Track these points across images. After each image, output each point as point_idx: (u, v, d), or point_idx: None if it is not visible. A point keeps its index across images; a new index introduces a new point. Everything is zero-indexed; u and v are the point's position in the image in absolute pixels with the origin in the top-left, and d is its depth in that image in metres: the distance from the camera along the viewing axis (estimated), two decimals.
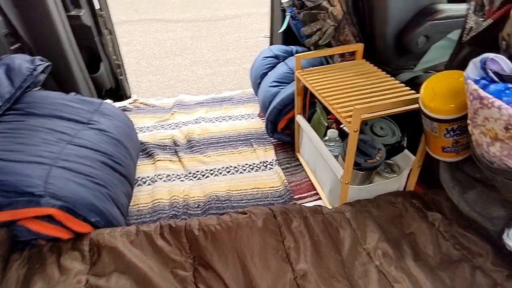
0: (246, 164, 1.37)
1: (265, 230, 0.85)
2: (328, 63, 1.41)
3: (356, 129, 0.87)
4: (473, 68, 0.51)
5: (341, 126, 1.25)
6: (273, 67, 1.62)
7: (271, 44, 2.00)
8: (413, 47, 1.20)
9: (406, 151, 1.08)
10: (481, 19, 0.56)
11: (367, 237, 0.92)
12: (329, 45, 1.31)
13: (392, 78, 1.09)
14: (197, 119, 1.67)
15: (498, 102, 0.47)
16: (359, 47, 1.23)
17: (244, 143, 1.50)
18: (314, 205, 1.01)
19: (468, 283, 0.81)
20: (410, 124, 1.11)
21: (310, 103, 1.32)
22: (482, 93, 0.48)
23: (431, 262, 0.87)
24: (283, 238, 0.85)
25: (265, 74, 1.63)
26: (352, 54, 1.28)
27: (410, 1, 1.15)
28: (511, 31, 0.51)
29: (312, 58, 1.39)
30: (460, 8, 1.17)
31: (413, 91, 0.99)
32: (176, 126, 1.64)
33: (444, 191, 1.03)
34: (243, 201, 1.19)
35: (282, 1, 1.51)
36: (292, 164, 1.39)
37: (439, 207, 1.00)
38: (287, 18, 1.55)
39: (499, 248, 0.85)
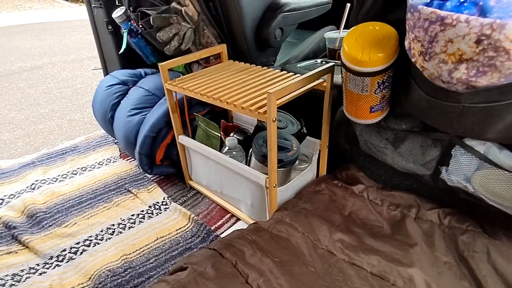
0: (133, 215, 1.03)
1: (222, 277, 0.60)
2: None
3: (274, 118, 0.75)
4: None
5: (232, 134, 1.12)
6: (124, 94, 1.34)
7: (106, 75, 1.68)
8: (272, 40, 1.21)
9: (308, 137, 1.05)
10: None
11: (319, 235, 0.81)
12: (188, 51, 1.17)
13: (271, 69, 1.05)
14: (32, 184, 1.18)
15: (463, 16, 0.44)
16: (223, 48, 1.14)
17: (118, 192, 1.14)
18: (252, 225, 0.83)
19: (420, 234, 0.81)
20: (300, 110, 1.10)
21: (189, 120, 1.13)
22: (443, 13, 0.45)
23: (384, 231, 0.83)
24: (246, 278, 0.62)
25: (116, 104, 1.32)
26: (217, 57, 1.18)
27: None
28: None
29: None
30: (298, 1, 1.27)
31: (291, 73, 0.98)
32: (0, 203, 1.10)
33: (351, 163, 1.05)
34: (151, 262, 0.87)
35: (114, 17, 1.27)
36: (189, 196, 1.15)
37: (356, 179, 1.00)
38: (125, 36, 1.31)
39: (420, 193, 0.91)
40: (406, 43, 0.56)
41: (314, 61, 1.36)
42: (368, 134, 0.81)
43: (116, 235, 0.95)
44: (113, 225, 0.99)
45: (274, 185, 0.86)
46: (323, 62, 1.36)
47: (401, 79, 0.63)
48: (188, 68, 1.34)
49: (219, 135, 1.05)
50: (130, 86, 1.36)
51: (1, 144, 2.03)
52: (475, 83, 0.49)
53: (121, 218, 1.01)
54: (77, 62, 3.95)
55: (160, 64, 0.98)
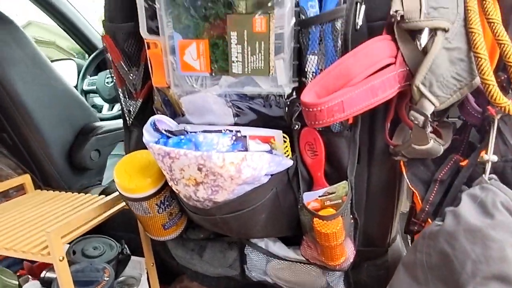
0: None
1: None
2: None
3: (61, 257, 0.68)
4: (148, 134, 0.55)
5: (43, 274, 0.96)
6: None
7: None
8: (88, 163, 1.18)
9: (132, 257, 0.98)
10: (134, 101, 0.63)
11: None
12: None
13: (81, 194, 1.00)
14: None
15: (182, 151, 0.52)
16: (25, 179, 1.04)
17: None
18: None
19: None
20: (120, 230, 1.05)
21: None
22: (167, 148, 0.52)
23: None
24: None
25: None
26: (21, 189, 1.06)
27: (64, 121, 1.14)
28: (158, 102, 0.60)
29: None
30: (115, 123, 1.31)
31: (101, 196, 0.95)
32: None
33: (185, 274, 1.02)
34: None
35: None
36: None
37: None
38: None
39: None
40: None
41: None
42: (175, 248, 0.82)
43: None
44: None
45: None
46: None
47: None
48: None
49: (17, 282, 0.89)
50: None
51: None
52: (215, 200, 0.56)
53: None
54: None
55: None
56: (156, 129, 0.54)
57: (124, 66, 0.59)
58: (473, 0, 0.46)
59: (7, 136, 1.03)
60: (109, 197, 0.81)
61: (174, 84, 0.55)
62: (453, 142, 0.60)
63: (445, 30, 0.46)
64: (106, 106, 1.84)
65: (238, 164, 0.51)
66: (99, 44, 2.09)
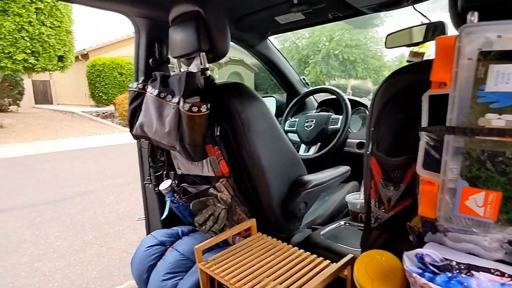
0: None
1: None
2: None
3: None
4: (410, 262, 0.57)
5: None
6: (161, 256, 1.45)
7: (148, 228, 1.85)
8: (297, 212, 1.33)
9: None
10: (383, 211, 0.66)
11: None
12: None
13: (291, 246, 1.13)
14: None
15: None
16: (252, 223, 1.26)
17: None
18: None
19: None
20: None
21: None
22: (434, 286, 0.52)
23: None
24: None
25: (153, 266, 1.42)
26: (247, 229, 1.30)
27: (283, 176, 1.32)
28: (418, 222, 0.61)
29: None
30: (322, 176, 1.43)
31: (314, 256, 1.05)
32: None
33: None
34: None
35: (161, 189, 1.49)
36: None
37: None
38: (168, 203, 1.50)
39: None
40: None
41: (338, 224, 1.45)
42: None
43: None
44: None
45: None
46: (347, 224, 1.45)
47: None
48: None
49: None
50: (167, 246, 1.48)
51: (40, 278, 2.15)
52: None
53: None
54: (124, 186, 4.31)
55: (195, 247, 1.10)
56: (422, 262, 0.55)
57: (383, 184, 0.63)
58: None
59: (244, 187, 1.29)
60: (324, 267, 0.89)
61: (445, 219, 0.54)
62: None
63: None
64: (303, 146, 2.04)
65: None
66: (298, 87, 2.35)
